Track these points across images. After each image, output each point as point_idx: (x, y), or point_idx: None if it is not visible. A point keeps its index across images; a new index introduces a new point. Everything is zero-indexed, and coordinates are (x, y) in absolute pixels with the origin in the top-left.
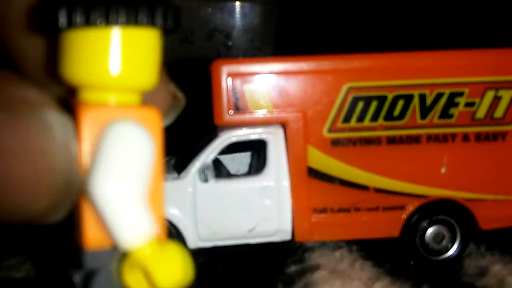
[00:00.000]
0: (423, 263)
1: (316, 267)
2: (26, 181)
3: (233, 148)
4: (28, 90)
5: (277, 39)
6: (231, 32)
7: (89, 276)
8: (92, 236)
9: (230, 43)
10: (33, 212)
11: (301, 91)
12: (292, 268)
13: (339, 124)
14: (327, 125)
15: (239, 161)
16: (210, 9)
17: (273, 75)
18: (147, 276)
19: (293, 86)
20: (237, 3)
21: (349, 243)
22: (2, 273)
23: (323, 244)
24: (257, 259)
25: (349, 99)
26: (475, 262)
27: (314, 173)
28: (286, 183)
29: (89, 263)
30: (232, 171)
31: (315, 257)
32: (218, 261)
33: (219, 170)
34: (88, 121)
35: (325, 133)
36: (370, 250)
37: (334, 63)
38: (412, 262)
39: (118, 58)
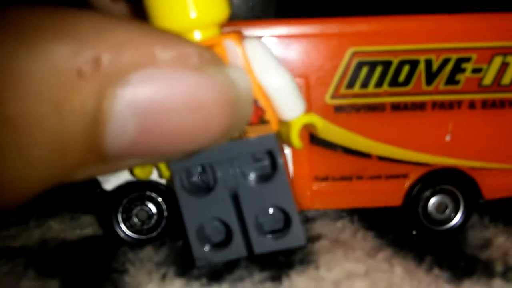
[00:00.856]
0: (425, 234)
1: (317, 237)
2: (220, 128)
3: None
4: (204, 50)
5: (278, 8)
6: (230, 0)
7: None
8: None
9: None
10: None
11: (303, 55)
12: None
13: (343, 90)
14: (330, 91)
15: None
16: None
17: (273, 39)
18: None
19: (295, 50)
20: None
21: (351, 213)
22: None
23: (324, 214)
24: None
25: (353, 64)
26: (479, 233)
27: (316, 140)
28: (287, 150)
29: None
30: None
31: (316, 227)
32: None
33: None
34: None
35: (328, 99)
36: (372, 220)
37: (338, 26)
38: (414, 232)
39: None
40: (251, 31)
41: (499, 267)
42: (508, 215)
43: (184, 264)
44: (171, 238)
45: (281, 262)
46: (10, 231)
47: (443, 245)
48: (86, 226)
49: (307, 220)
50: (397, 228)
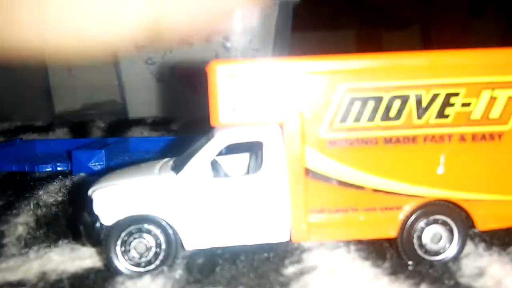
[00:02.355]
0: (421, 264)
1: (313, 268)
2: None
3: (231, 149)
4: None
5: (276, 41)
6: (229, 33)
7: None
8: None
9: (228, 45)
10: None
11: (298, 91)
12: (290, 269)
13: (336, 125)
14: (324, 126)
15: (237, 163)
16: None
17: (269, 76)
18: None
19: (290, 86)
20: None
21: (348, 243)
22: None
23: (321, 245)
24: (254, 260)
25: (346, 99)
26: (473, 262)
27: (311, 174)
28: (284, 184)
29: None
30: (230, 173)
31: (313, 258)
32: (216, 261)
33: (216, 170)
34: None
35: (322, 133)
36: (368, 250)
37: (330, 63)
38: (410, 263)
39: None
40: (248, 68)
41: None
42: (503, 244)
43: None
44: (168, 268)
45: None
46: (10, 263)
47: (438, 274)
48: (86, 258)
49: (304, 250)
50: (393, 258)
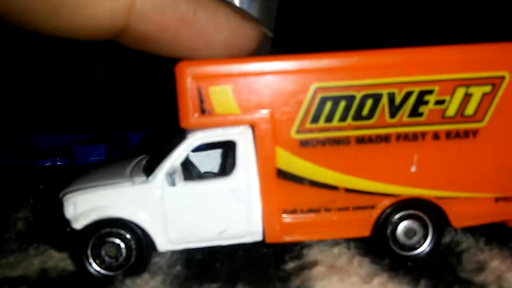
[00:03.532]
0: (398, 260)
1: (313, 263)
2: None
3: (207, 145)
4: None
5: (276, 36)
6: None
7: None
8: None
9: None
10: None
11: (269, 91)
12: (290, 265)
13: (307, 125)
14: (295, 126)
15: (214, 158)
16: None
17: (239, 76)
18: None
19: (260, 86)
20: (236, 0)
21: (348, 240)
22: None
23: (321, 241)
24: (254, 256)
25: (317, 99)
26: (474, 257)
27: (283, 174)
28: (255, 184)
29: None
30: (207, 168)
31: (313, 254)
32: (215, 257)
33: (188, 171)
34: None
35: (293, 134)
36: (368, 246)
37: (301, 63)
38: (409, 264)
39: None
40: (219, 68)
41: None
42: (503, 239)
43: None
44: (168, 264)
45: None
46: (10, 260)
47: (439, 269)
48: None
49: (304, 245)
50: (403, 263)
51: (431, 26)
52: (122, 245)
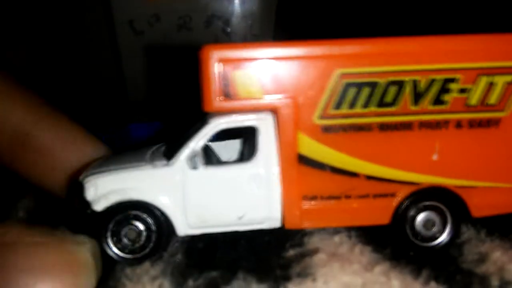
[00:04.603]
0: (416, 250)
1: (315, 251)
2: None
3: (226, 134)
4: None
5: (276, 26)
6: (229, 18)
7: None
8: None
9: (228, 30)
10: None
11: (292, 77)
12: (291, 252)
13: (330, 111)
14: (318, 111)
15: (232, 148)
16: None
17: (263, 61)
18: None
19: (284, 72)
20: None
21: (349, 228)
22: None
23: (322, 229)
24: (255, 244)
25: (341, 85)
26: (475, 248)
27: (304, 160)
28: (276, 170)
29: None
30: (224, 158)
31: (314, 241)
32: (216, 245)
33: (209, 157)
34: None
35: (316, 119)
36: (369, 235)
37: (325, 48)
38: (411, 253)
39: None
40: (241, 53)
41: (495, 282)
42: (505, 229)
43: (179, 276)
44: (169, 253)
45: (279, 275)
46: None
47: (440, 260)
48: None
49: (305, 234)
50: (395, 243)
51: (448, 18)
52: (143, 228)
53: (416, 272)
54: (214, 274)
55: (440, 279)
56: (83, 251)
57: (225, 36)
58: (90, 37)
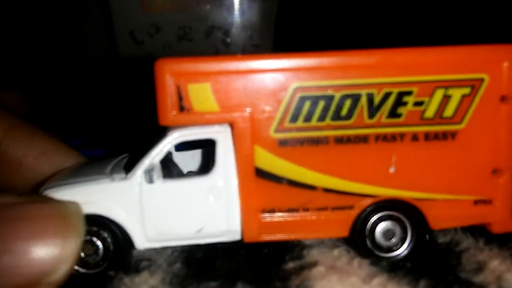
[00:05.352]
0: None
1: (313, 264)
2: None
3: (194, 145)
4: None
5: (276, 36)
6: (229, 29)
7: None
8: None
9: (228, 40)
10: None
11: (248, 90)
12: (290, 265)
13: (286, 124)
14: (274, 125)
15: (199, 159)
16: (208, 6)
17: (218, 74)
18: None
19: (239, 85)
20: (236, 0)
21: (348, 241)
22: None
23: (321, 243)
24: (254, 255)
25: (296, 98)
26: (473, 257)
27: (261, 173)
28: (234, 183)
29: None
30: (192, 169)
31: (313, 255)
32: (216, 255)
33: (170, 169)
34: None
35: (272, 133)
36: None
37: (281, 62)
38: (408, 265)
39: None
40: (199, 66)
41: None
42: (503, 239)
43: (178, 286)
44: (168, 262)
45: (278, 287)
46: None
47: (438, 269)
48: None
49: (304, 246)
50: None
51: (420, 27)
52: (99, 243)
53: (414, 283)
54: (213, 284)
55: None
56: (70, 212)
57: (225, 46)
58: (92, 46)
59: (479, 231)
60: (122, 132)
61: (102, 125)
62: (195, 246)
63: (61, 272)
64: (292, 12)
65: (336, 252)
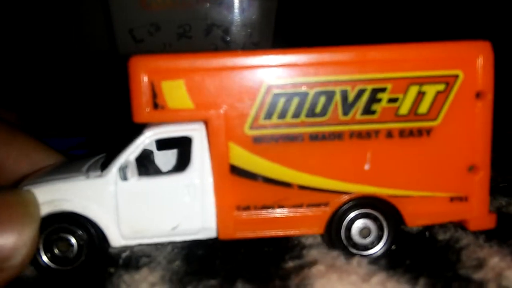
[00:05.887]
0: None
1: (313, 263)
2: None
3: (176, 143)
4: None
5: (275, 34)
6: (229, 27)
7: None
8: None
9: (228, 38)
10: None
11: (222, 87)
12: (290, 264)
13: (261, 121)
14: (249, 122)
15: (173, 157)
16: (208, 4)
17: (192, 72)
18: None
19: (214, 82)
20: None
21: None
22: None
23: (321, 243)
24: (254, 254)
25: (270, 95)
26: (473, 253)
27: (236, 171)
28: (209, 180)
29: None
30: (172, 167)
31: (312, 254)
32: (216, 254)
33: (146, 167)
34: None
35: (247, 130)
36: None
37: (255, 59)
38: (407, 262)
39: None
40: (173, 63)
41: None
42: (503, 235)
43: (178, 283)
44: (167, 260)
45: (278, 286)
46: None
47: (438, 266)
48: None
49: (304, 246)
50: (391, 255)
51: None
52: (73, 240)
53: (414, 281)
54: (213, 282)
55: (437, 286)
56: (26, 200)
57: (225, 44)
58: (91, 44)
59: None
60: (120, 131)
61: (101, 124)
62: (195, 243)
63: (19, 257)
64: (291, 10)
65: (335, 251)
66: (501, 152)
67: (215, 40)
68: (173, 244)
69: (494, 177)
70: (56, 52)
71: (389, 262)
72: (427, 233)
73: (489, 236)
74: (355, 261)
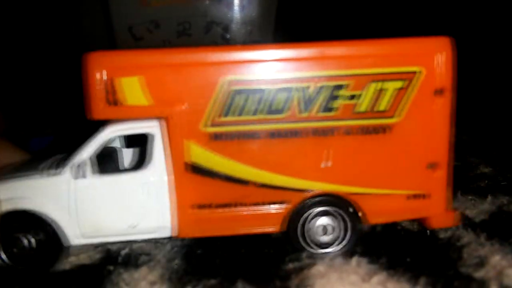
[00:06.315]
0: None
1: (313, 263)
2: None
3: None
4: None
5: (276, 32)
6: (229, 24)
7: None
8: None
9: (228, 36)
10: None
11: (180, 84)
12: (289, 265)
13: (219, 118)
14: (206, 119)
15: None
16: (208, 1)
17: (150, 68)
18: None
19: (172, 78)
20: None
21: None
22: None
23: None
24: (254, 255)
25: (228, 92)
26: (475, 252)
27: (195, 168)
28: (166, 178)
29: None
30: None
31: (312, 255)
32: (216, 253)
33: (104, 165)
34: None
35: (204, 127)
36: (366, 246)
37: (213, 55)
38: (408, 260)
39: None
40: (130, 59)
41: (494, 287)
42: (504, 234)
43: (177, 282)
44: (167, 258)
45: (278, 286)
46: None
47: (439, 264)
48: (81, 253)
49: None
50: (391, 254)
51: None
52: (32, 238)
53: (414, 280)
54: (212, 282)
55: (438, 285)
56: None
57: (225, 42)
58: (90, 43)
59: (480, 226)
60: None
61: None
62: (195, 242)
63: None
64: (292, 7)
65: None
66: (501, 150)
67: (215, 37)
68: (172, 242)
69: (494, 176)
70: (54, 49)
71: (390, 261)
72: (428, 231)
73: (491, 234)
74: (354, 261)
